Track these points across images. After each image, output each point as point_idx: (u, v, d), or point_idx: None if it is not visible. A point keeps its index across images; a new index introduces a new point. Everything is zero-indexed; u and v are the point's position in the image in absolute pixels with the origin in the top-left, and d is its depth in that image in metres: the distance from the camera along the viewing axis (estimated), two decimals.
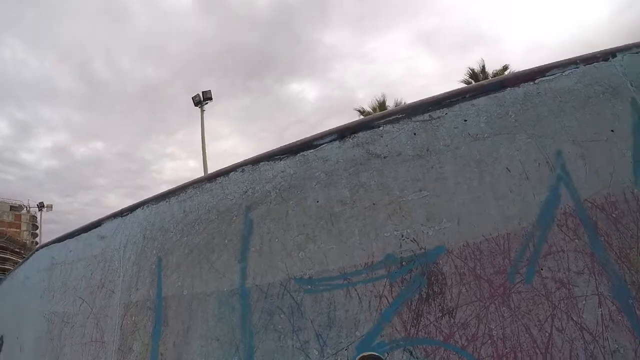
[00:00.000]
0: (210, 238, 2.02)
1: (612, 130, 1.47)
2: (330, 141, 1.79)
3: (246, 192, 1.95)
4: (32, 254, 4.76)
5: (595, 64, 1.58)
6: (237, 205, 1.96)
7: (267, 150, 1.98)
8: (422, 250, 1.46)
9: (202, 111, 18.71)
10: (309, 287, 1.60)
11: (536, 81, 1.60)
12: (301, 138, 1.93)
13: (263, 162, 1.94)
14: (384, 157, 1.66)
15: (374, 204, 1.60)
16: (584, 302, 1.29)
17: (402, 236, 1.51)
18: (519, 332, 1.29)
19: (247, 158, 2.02)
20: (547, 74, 1.60)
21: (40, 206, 42.32)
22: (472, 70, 18.25)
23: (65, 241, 3.73)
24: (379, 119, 1.75)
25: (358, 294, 1.49)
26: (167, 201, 2.40)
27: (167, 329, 2.14)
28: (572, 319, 1.28)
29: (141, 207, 2.68)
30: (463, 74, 18.88)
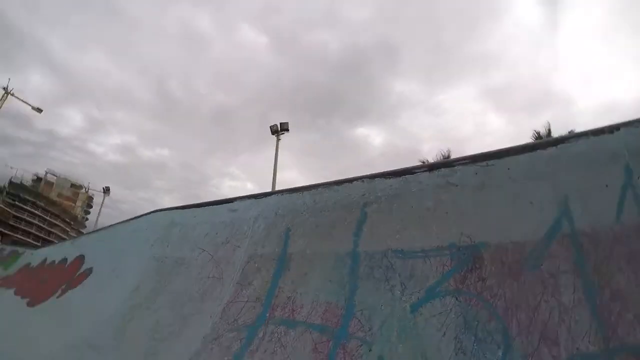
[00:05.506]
0: (333, 219, 3.16)
1: (606, 185, 2.18)
2: (423, 171, 2.88)
3: (364, 194, 3.08)
4: (145, 214, 5.97)
5: (601, 135, 2.29)
6: (356, 202, 3.09)
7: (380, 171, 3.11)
8: (473, 243, 2.49)
9: (278, 140, 20.28)
10: (400, 255, 2.68)
11: (558, 146, 2.46)
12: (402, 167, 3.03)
13: (377, 178, 3.06)
14: (456, 185, 2.72)
15: (446, 213, 2.66)
16: (563, 288, 2.12)
17: (462, 234, 2.55)
18: (521, 297, 2.25)
19: (365, 174, 3.16)
20: (567, 141, 2.43)
21: (105, 190, 47.42)
22: (538, 133, 18.21)
23: (189, 209, 4.86)
24: (455, 161, 2.81)
25: (430, 262, 2.55)
26: (300, 193, 3.58)
27: (288, 273, 3.11)
28: (554, 296, 2.15)
29: (275, 195, 3.88)
30: (529, 136, 18.78)
